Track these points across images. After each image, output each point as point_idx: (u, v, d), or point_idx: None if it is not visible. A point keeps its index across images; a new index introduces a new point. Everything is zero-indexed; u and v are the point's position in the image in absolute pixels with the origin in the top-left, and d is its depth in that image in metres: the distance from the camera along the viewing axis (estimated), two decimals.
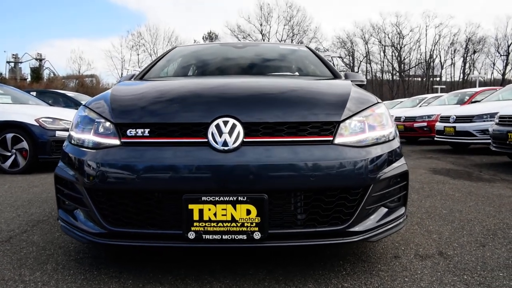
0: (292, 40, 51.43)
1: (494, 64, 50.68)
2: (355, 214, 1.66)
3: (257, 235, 1.57)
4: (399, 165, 1.86)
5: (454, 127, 7.62)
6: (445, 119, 8.11)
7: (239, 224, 1.58)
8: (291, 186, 1.60)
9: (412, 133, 10.39)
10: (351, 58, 54.19)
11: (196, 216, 1.58)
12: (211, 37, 52.73)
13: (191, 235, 1.59)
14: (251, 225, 1.57)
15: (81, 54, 60.97)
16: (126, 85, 2.38)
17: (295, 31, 51.77)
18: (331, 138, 1.67)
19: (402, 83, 52.22)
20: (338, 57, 49.08)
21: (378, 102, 1.97)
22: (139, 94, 2.03)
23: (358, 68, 54.96)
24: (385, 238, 2.15)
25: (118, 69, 48.01)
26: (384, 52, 53.27)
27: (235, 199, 1.57)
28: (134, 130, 1.70)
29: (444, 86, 37.47)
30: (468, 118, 7.46)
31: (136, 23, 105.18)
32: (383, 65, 54.01)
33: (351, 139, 1.70)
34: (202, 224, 1.58)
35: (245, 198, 1.57)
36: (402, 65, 52.97)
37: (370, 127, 1.80)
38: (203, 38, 53.32)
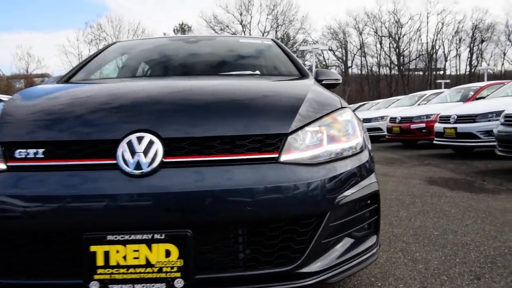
0: (276, 32, 51.69)
1: (504, 54, 51.84)
2: (307, 251, 1.50)
3: (179, 283, 1.39)
4: (368, 184, 1.71)
5: (455, 128, 7.61)
6: (445, 119, 8.11)
7: (155, 270, 1.40)
8: (223, 218, 1.43)
9: (409, 136, 10.40)
10: (343, 50, 54.82)
11: (100, 261, 1.39)
12: (183, 29, 52.58)
13: (94, 286, 1.40)
14: (172, 270, 1.40)
15: (29, 50, 59.11)
16: (33, 91, 2.18)
17: (280, 21, 52.07)
18: (276, 155, 1.51)
19: (402, 78, 53.01)
20: (329, 49, 49.62)
21: (343, 107, 1.83)
22: (43, 103, 1.84)
23: (352, 62, 55.63)
24: (359, 271, 2.00)
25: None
26: (380, 43, 54.01)
27: (150, 237, 1.39)
28: (24, 150, 1.51)
29: (448, 80, 38.18)
30: (471, 118, 7.47)
31: (96, 13, 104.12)
32: (379, 58, 54.76)
33: (303, 155, 1.55)
34: (108, 270, 1.39)
35: (163, 236, 1.39)
36: (401, 57, 53.80)
37: (330, 138, 1.65)
38: (174, 31, 53.11)
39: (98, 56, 3.09)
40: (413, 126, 10.16)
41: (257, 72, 3.04)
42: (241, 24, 51.41)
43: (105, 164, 1.46)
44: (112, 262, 1.39)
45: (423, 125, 9.89)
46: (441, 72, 53.14)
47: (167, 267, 1.40)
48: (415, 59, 54.15)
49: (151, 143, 1.45)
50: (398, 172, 6.17)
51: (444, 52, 53.85)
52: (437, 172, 6.04)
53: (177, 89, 1.98)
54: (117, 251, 1.39)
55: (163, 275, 1.39)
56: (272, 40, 3.43)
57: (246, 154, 1.49)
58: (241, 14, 51.61)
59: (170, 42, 3.52)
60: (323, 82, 2.92)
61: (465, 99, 10.26)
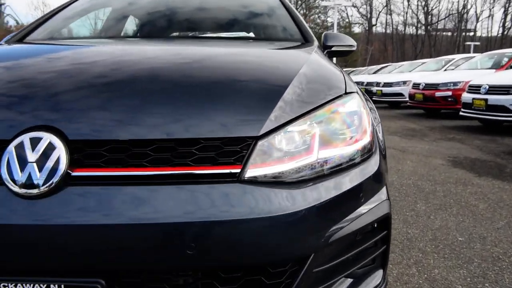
0: None
1: None
2: None
3: None
4: (376, 205, 1.23)
5: (486, 99, 6.93)
6: (474, 88, 7.40)
7: None
8: (149, 265, 0.97)
9: (433, 104, 9.69)
10: (368, 7, 52.39)
11: None
12: None
13: None
14: None
15: None
16: None
17: None
18: (238, 170, 1.02)
19: (428, 38, 50.72)
20: (352, 6, 47.51)
21: (348, 92, 1.31)
22: None
23: (377, 19, 53.30)
24: None
25: None
26: (408, 0, 51.35)
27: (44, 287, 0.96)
28: None
29: (478, 43, 36.33)
30: (505, 89, 6.75)
31: None
32: (406, 16, 52.32)
33: (280, 169, 1.06)
34: None
35: (62, 286, 0.95)
36: (429, 16, 51.22)
37: (325, 140, 1.15)
38: None
39: (69, 7, 2.57)
40: (438, 93, 9.43)
41: (251, 34, 2.51)
42: None
43: None
44: None
45: (449, 93, 9.16)
46: (471, 34, 50.61)
47: None
48: (444, 18, 51.57)
49: (50, 148, 0.98)
50: (419, 148, 5.62)
51: (476, 12, 51.07)
52: (462, 150, 5.46)
53: (110, 63, 1.42)
54: None
55: None
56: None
57: (192, 167, 1.01)
58: None
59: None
60: (332, 48, 2.38)
61: (497, 66, 9.39)
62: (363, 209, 1.19)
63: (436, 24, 52.11)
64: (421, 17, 51.84)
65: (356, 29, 53.66)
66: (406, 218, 2.82)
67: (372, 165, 1.25)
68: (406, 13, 52.11)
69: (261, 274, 1.03)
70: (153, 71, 1.30)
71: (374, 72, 18.87)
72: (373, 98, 13.67)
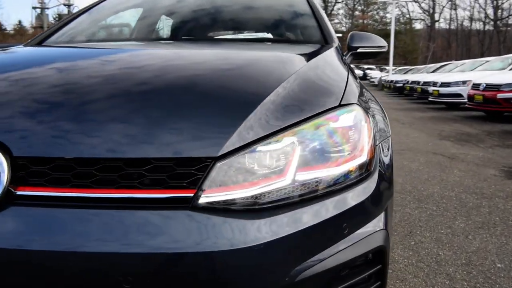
0: None
1: None
2: None
3: None
4: (367, 235, 1.07)
5: None
6: None
7: None
8: None
9: (494, 107, 8.97)
10: (431, 2, 49.97)
11: None
12: None
13: None
14: None
15: None
16: None
17: None
18: (191, 195, 0.91)
19: (497, 34, 47.50)
20: (413, 1, 45.56)
21: (344, 104, 1.15)
22: None
23: (440, 15, 50.71)
24: None
25: None
26: None
27: None
28: None
29: None
30: None
31: None
32: (473, 11, 49.35)
33: (241, 195, 0.93)
34: None
35: None
36: (499, 11, 47.93)
37: (307, 161, 1.00)
38: None
39: (94, 9, 2.57)
40: (500, 95, 8.71)
41: (269, 35, 2.38)
42: None
43: None
44: None
45: None
46: None
47: None
48: None
49: None
50: (471, 155, 5.19)
51: None
52: None
53: (77, 70, 1.34)
54: None
55: None
56: None
57: (139, 191, 0.91)
58: None
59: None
60: (358, 50, 2.19)
61: None
62: (348, 240, 1.03)
63: (507, 19, 48.63)
64: (490, 11, 48.65)
65: (418, 25, 51.46)
66: (440, 237, 2.56)
67: (366, 189, 1.08)
68: (473, 7, 49.24)
69: None
70: (109, 81, 1.20)
71: (433, 71, 17.91)
72: (429, 99, 12.99)
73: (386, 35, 37.79)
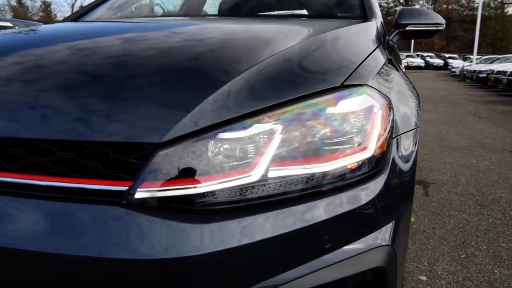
0: None
1: None
2: None
3: None
4: (361, 252, 0.82)
5: None
6: None
7: None
8: None
9: None
10: None
11: None
12: None
13: None
14: None
15: None
16: None
17: None
18: (124, 189, 0.72)
19: None
20: None
21: (349, 85, 0.89)
22: None
23: None
24: None
25: None
26: None
27: None
28: None
29: None
30: None
31: None
32: None
33: (190, 191, 0.72)
34: None
35: None
36: None
37: (288, 153, 0.77)
38: None
39: None
40: None
41: (304, 11, 2.14)
42: None
43: None
44: None
45: None
46: None
47: None
48: None
49: None
50: None
51: None
52: None
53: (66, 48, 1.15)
54: None
55: None
56: None
57: (66, 179, 0.74)
58: None
59: None
60: (407, 28, 1.87)
61: None
62: (331, 258, 0.78)
63: None
64: None
65: (511, 10, 47.18)
66: (499, 252, 2.16)
67: (366, 193, 0.84)
68: None
69: None
70: (73, 56, 1.04)
71: None
72: None
73: (472, 21, 34.85)
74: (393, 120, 0.93)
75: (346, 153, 0.81)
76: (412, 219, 2.62)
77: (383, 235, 0.85)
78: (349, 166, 0.82)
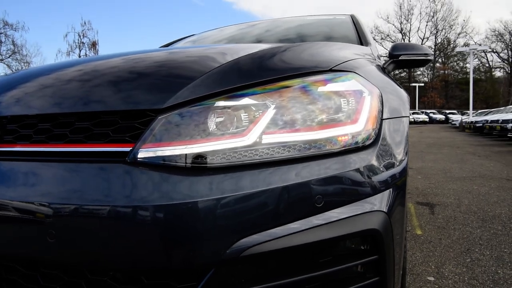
0: (436, 37, 44.89)
1: None
2: None
3: None
4: (352, 215, 0.73)
5: None
6: None
7: None
8: (26, 250, 0.69)
9: None
10: (510, 52, 44.12)
11: None
12: None
13: None
14: None
15: None
16: None
17: (439, 27, 45.09)
18: (127, 149, 0.68)
19: None
20: (492, 51, 40.77)
21: (337, 70, 0.85)
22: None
23: None
24: None
25: None
26: None
27: None
28: None
29: None
30: None
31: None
32: None
33: (185, 151, 0.68)
34: None
35: None
36: None
37: (282, 122, 0.72)
38: None
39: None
40: None
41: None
42: (400, 32, 46.39)
43: None
44: None
45: None
46: None
47: None
48: None
49: None
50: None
51: None
52: None
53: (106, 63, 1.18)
54: None
55: None
56: (351, 16, 2.36)
57: (81, 145, 0.72)
58: (401, 23, 46.65)
59: (238, 29, 2.78)
60: (400, 57, 1.80)
61: None
62: (324, 217, 0.70)
63: None
64: None
65: (498, 73, 45.70)
66: (502, 256, 1.92)
67: (356, 160, 0.76)
68: None
69: (134, 283, 0.64)
70: (113, 62, 1.01)
71: None
72: (509, 135, 11.09)
73: (466, 83, 33.96)
74: (382, 105, 0.86)
75: (336, 125, 0.75)
76: (419, 232, 2.39)
77: (377, 202, 0.76)
78: (339, 137, 0.75)
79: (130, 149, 0.68)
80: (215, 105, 0.71)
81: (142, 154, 0.67)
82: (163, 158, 0.67)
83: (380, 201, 0.77)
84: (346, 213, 0.71)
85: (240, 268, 0.63)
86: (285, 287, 0.68)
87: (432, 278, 1.71)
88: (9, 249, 0.69)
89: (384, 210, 0.76)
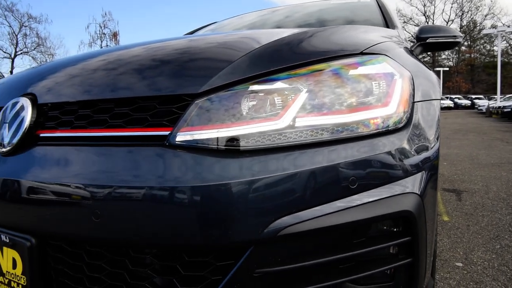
0: (461, 19, 43.04)
1: None
2: None
3: None
4: (385, 197, 0.73)
5: None
6: None
7: (6, 281, 0.83)
8: (73, 230, 0.73)
9: None
10: None
11: None
12: None
13: None
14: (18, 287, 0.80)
15: None
16: None
17: (465, 9, 43.17)
18: (167, 133, 0.70)
19: None
20: None
21: (368, 53, 0.84)
22: None
23: None
24: None
25: None
26: None
27: None
28: None
29: None
30: None
31: None
32: None
33: (220, 134, 0.69)
34: None
35: (8, 238, 0.80)
36: None
37: (313, 106, 0.73)
38: None
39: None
40: None
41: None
42: (424, 15, 44.74)
43: None
44: None
45: None
46: None
47: (14, 281, 0.81)
48: None
49: (21, 110, 0.86)
50: None
51: None
52: None
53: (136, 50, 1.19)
54: None
55: None
56: None
57: (121, 129, 0.74)
58: (424, 6, 44.96)
59: (262, 14, 2.76)
60: (428, 40, 1.75)
61: None
62: (358, 198, 0.70)
63: None
64: None
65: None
66: None
67: (389, 143, 0.76)
68: None
69: (175, 260, 0.67)
70: (150, 49, 0.99)
71: None
72: None
73: (494, 67, 32.54)
74: (413, 88, 0.85)
75: (367, 108, 0.75)
76: (446, 219, 2.36)
77: (410, 184, 0.76)
78: (371, 120, 0.75)
79: (169, 133, 0.70)
80: (249, 89, 0.72)
81: (180, 137, 0.69)
82: (200, 141, 0.68)
83: (413, 184, 0.76)
84: (380, 195, 0.72)
85: (277, 247, 0.65)
86: (320, 266, 0.69)
87: (460, 264, 1.69)
88: (56, 229, 0.73)
89: (417, 192, 0.76)
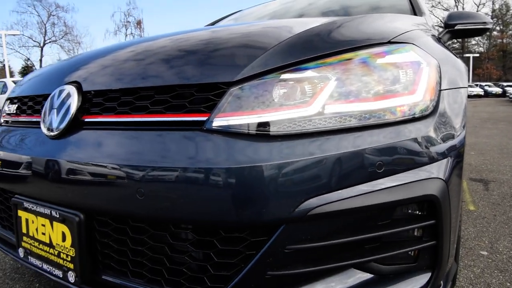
0: (493, 2, 40.88)
1: None
2: (233, 281, 0.72)
3: (71, 277, 0.87)
4: (410, 181, 0.75)
5: None
6: None
7: (55, 253, 0.91)
8: (116, 206, 0.79)
9: None
10: None
11: (24, 228, 1.00)
12: None
13: (21, 253, 1.02)
14: (66, 259, 0.88)
15: None
16: None
17: None
18: (205, 118, 0.75)
19: None
20: None
21: (396, 42, 0.85)
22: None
23: None
24: None
25: None
26: None
27: (49, 213, 0.91)
28: (13, 105, 1.24)
29: None
30: None
31: None
32: None
33: (255, 120, 0.73)
34: (29, 240, 1.00)
35: (58, 214, 0.88)
36: None
37: (342, 93, 0.76)
38: None
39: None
40: None
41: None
42: None
43: (35, 122, 1.06)
44: (30, 232, 0.99)
45: None
46: None
47: (63, 253, 0.89)
48: None
49: (67, 97, 0.93)
50: None
51: None
52: None
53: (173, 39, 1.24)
54: (32, 221, 0.97)
55: (60, 261, 0.91)
56: None
57: (161, 115, 0.80)
58: None
59: (285, 1, 2.74)
60: (456, 27, 1.72)
61: None
62: (384, 182, 0.73)
63: None
64: None
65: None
66: None
67: (415, 130, 0.78)
68: None
69: (213, 235, 0.73)
70: (186, 38, 1.02)
71: None
72: None
73: None
74: (440, 76, 0.86)
75: (394, 96, 0.77)
76: (472, 208, 2.33)
77: (435, 170, 0.78)
78: (398, 107, 0.77)
79: (206, 118, 0.74)
80: (281, 77, 0.76)
81: (217, 123, 0.74)
82: (234, 126, 0.73)
83: (438, 169, 0.78)
84: (406, 179, 0.74)
85: (307, 225, 0.69)
86: (346, 245, 0.73)
87: (485, 253, 1.69)
88: (103, 205, 0.80)
89: (442, 177, 0.78)
